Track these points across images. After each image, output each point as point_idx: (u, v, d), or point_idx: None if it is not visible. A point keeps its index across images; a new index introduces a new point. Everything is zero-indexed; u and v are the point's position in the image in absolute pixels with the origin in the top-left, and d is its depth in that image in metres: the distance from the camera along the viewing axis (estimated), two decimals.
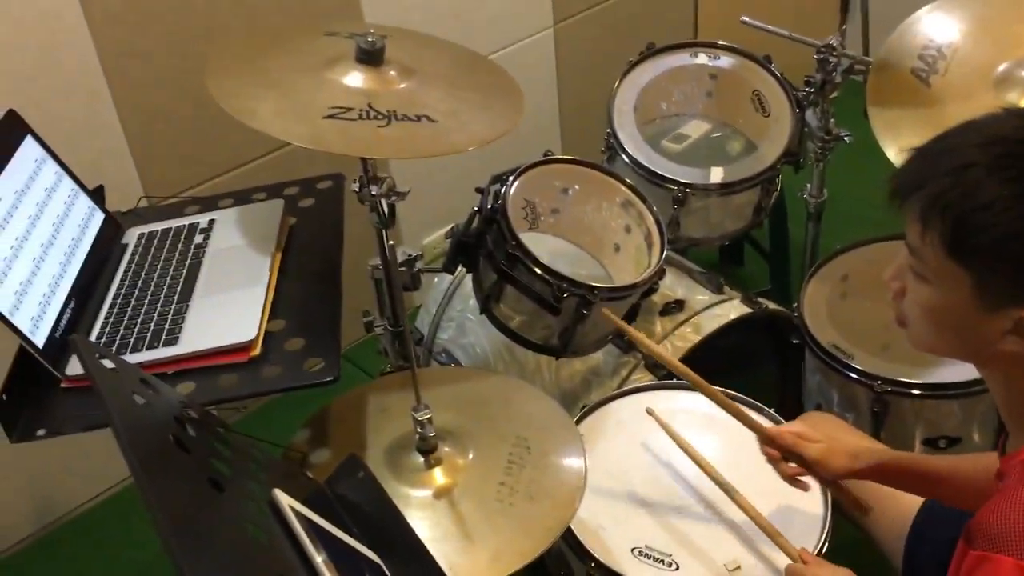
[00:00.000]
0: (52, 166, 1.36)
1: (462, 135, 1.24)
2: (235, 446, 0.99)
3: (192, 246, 1.42)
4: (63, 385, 1.18)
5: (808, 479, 1.33)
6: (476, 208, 1.56)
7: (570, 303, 1.49)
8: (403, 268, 1.51)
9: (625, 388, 1.62)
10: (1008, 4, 1.72)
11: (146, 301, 1.31)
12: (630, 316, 1.64)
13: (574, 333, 1.54)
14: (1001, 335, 0.91)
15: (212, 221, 1.47)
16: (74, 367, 1.18)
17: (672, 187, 1.85)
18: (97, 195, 1.46)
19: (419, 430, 1.25)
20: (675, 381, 1.62)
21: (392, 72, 1.28)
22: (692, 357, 1.69)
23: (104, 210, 1.45)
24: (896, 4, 1.87)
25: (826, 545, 1.33)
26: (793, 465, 1.31)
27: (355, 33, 1.29)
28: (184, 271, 1.36)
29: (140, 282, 1.35)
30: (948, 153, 0.90)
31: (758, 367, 1.96)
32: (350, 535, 1.01)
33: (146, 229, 1.47)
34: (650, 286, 1.59)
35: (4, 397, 1.13)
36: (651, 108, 2.05)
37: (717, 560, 1.32)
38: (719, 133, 2.06)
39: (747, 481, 1.37)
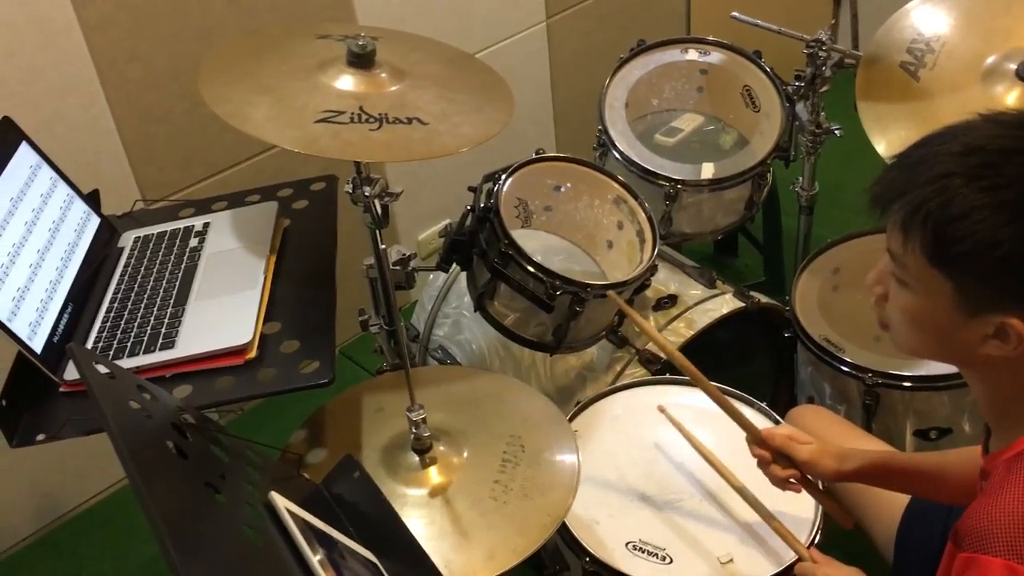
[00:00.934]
0: (47, 172, 1.37)
1: (453, 137, 1.25)
2: (232, 449, 1.01)
3: (187, 249, 1.43)
4: (62, 390, 1.20)
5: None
6: (469, 207, 1.57)
7: (563, 300, 1.51)
8: (397, 267, 1.52)
9: (619, 383, 1.64)
10: None
11: (142, 305, 1.32)
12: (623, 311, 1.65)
13: (568, 329, 1.55)
14: (982, 340, 0.92)
15: (207, 224, 1.48)
16: (72, 372, 1.20)
17: (664, 183, 1.87)
18: (92, 199, 1.47)
19: (414, 430, 1.27)
20: (669, 376, 1.64)
21: (383, 74, 1.28)
22: (685, 351, 1.70)
23: (99, 214, 1.46)
24: None
25: (818, 536, 1.35)
26: (782, 468, 1.31)
27: (346, 36, 1.30)
28: (180, 274, 1.37)
29: (136, 286, 1.36)
30: (926, 163, 0.91)
31: (751, 361, 1.98)
32: (346, 535, 1.03)
33: (141, 233, 1.49)
34: (643, 281, 1.61)
35: (3, 403, 1.15)
36: (642, 104, 2.06)
37: (711, 553, 1.34)
38: (711, 127, 2.07)
39: (743, 475, 1.38)
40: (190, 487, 0.84)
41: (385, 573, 1.00)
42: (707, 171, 1.90)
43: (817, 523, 1.36)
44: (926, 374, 1.61)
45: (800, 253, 2.12)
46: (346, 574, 0.92)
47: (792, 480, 1.30)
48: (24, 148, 1.34)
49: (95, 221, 1.44)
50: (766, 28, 1.92)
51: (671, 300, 1.79)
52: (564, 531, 1.35)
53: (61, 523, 2.16)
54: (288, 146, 1.17)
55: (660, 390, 1.61)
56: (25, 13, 1.74)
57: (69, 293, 1.30)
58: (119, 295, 1.35)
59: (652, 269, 1.61)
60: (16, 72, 1.76)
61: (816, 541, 1.35)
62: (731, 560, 1.33)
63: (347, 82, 1.26)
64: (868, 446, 1.41)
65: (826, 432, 1.47)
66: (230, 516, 0.86)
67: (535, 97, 2.69)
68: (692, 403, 1.56)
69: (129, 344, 1.25)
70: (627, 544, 1.36)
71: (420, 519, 1.21)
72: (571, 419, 1.53)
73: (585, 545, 1.34)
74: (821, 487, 1.33)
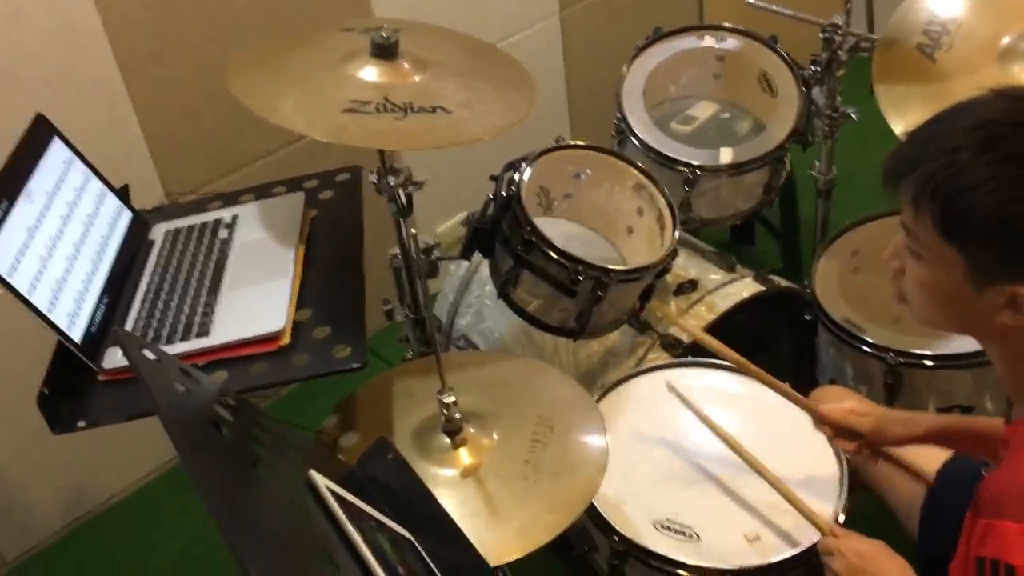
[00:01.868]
0: (80, 167, 1.40)
1: (477, 125, 1.27)
2: (271, 431, 1.03)
3: (218, 241, 1.46)
4: (100, 378, 1.23)
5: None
6: (491, 195, 1.59)
7: (586, 286, 1.52)
8: (422, 256, 1.55)
9: (643, 367, 1.65)
10: None
11: (176, 295, 1.35)
12: (645, 296, 1.67)
13: (591, 315, 1.57)
14: (996, 310, 0.94)
15: (235, 216, 1.51)
16: (110, 360, 1.23)
17: (683, 169, 1.88)
18: (124, 194, 1.50)
19: (444, 412, 1.29)
20: (692, 359, 1.65)
21: (406, 65, 1.31)
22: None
23: (131, 208, 1.49)
24: None
25: (842, 516, 1.36)
26: (848, 441, 1.35)
27: (370, 28, 1.32)
28: (212, 265, 1.40)
29: (169, 277, 1.39)
30: (938, 137, 0.93)
31: (772, 344, 1.99)
32: (383, 514, 1.05)
33: (172, 226, 1.52)
34: (663, 267, 1.62)
35: (45, 391, 1.18)
36: (659, 91, 2.07)
37: (738, 530, 1.35)
38: (727, 114, 2.09)
39: (765, 456, 1.40)
40: (236, 464, 0.87)
41: (421, 550, 1.03)
42: (725, 156, 1.91)
43: (841, 499, 1.37)
44: (948, 352, 1.62)
45: (818, 238, 2.13)
46: (384, 552, 0.94)
47: (864, 450, 1.34)
48: (57, 144, 1.37)
49: (127, 215, 1.47)
50: (782, 13, 1.94)
51: (692, 285, 1.81)
52: (592, 511, 1.37)
53: (90, 518, 2.19)
54: (318, 136, 1.20)
55: (683, 373, 1.62)
56: (52, 16, 1.77)
57: (104, 285, 1.33)
58: (153, 286, 1.38)
59: (673, 254, 1.63)
60: (44, 73, 1.79)
61: (840, 521, 1.36)
62: (758, 537, 1.34)
63: (371, 73, 1.28)
64: None
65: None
66: (274, 492, 0.88)
67: (550, 89, 2.70)
68: (713, 384, 1.58)
69: (165, 333, 1.28)
70: (654, 523, 1.38)
71: (452, 499, 1.23)
72: (597, 401, 1.55)
73: (613, 524, 1.36)
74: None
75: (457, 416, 1.29)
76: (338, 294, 1.33)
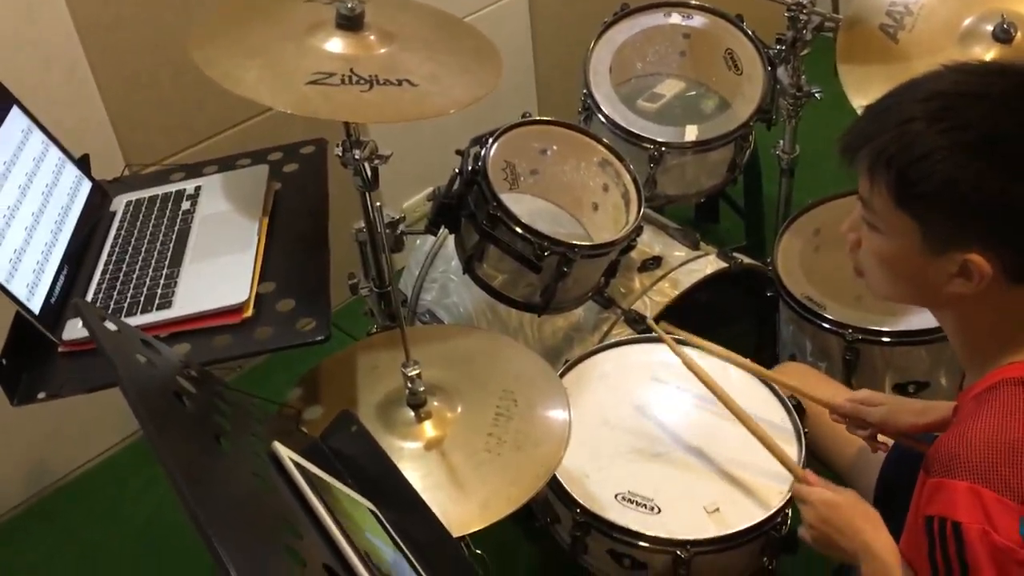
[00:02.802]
0: (39, 136, 1.38)
1: (443, 98, 1.27)
2: (234, 402, 1.03)
3: (180, 212, 1.44)
4: (60, 350, 1.21)
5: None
6: (457, 170, 1.59)
7: (551, 261, 1.53)
8: (387, 230, 1.54)
9: (606, 343, 1.67)
10: None
11: (137, 267, 1.33)
12: (609, 272, 1.68)
13: (555, 290, 1.58)
14: (948, 278, 0.97)
15: (198, 188, 1.50)
16: (71, 332, 1.21)
17: (648, 146, 1.89)
18: (83, 164, 1.48)
19: (409, 385, 1.29)
20: (654, 335, 1.67)
21: (372, 37, 1.30)
22: (670, 311, 1.74)
23: (91, 178, 1.47)
24: None
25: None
26: (865, 432, 1.36)
27: None
28: (173, 237, 1.39)
29: (131, 248, 1.38)
30: (891, 110, 0.96)
31: (734, 320, 2.02)
32: (346, 485, 1.06)
33: (133, 196, 1.50)
34: (628, 243, 1.63)
35: (4, 362, 1.16)
36: (626, 68, 2.08)
37: (698, 502, 1.38)
38: (693, 92, 2.09)
39: (725, 429, 1.42)
40: (198, 435, 0.87)
41: (384, 521, 1.03)
42: (691, 133, 1.92)
43: (801, 455, 1.40)
44: (905, 329, 1.66)
45: (781, 217, 2.15)
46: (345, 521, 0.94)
47: (881, 438, 1.36)
48: (15, 112, 1.35)
49: (87, 185, 1.45)
50: None
51: (656, 261, 1.82)
52: (555, 484, 1.39)
53: (52, 491, 2.18)
54: (281, 107, 1.19)
55: (647, 348, 1.64)
56: None
57: (64, 255, 1.31)
58: (114, 257, 1.36)
59: (637, 230, 1.64)
60: (1, 39, 1.75)
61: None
62: (717, 509, 1.37)
63: (336, 44, 1.27)
64: None
65: (809, 388, 1.52)
66: (237, 463, 0.88)
67: (517, 64, 2.70)
68: (676, 360, 1.59)
69: (126, 304, 1.27)
70: (616, 495, 1.39)
71: (416, 471, 1.23)
72: (561, 376, 1.56)
73: (576, 497, 1.37)
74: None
75: (421, 389, 1.30)
76: (302, 267, 1.33)
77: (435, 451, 1.27)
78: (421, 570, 0.96)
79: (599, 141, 1.73)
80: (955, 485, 0.91)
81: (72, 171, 1.43)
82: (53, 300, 1.24)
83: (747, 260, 1.85)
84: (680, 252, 1.85)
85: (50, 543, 2.08)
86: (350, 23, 1.29)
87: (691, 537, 1.32)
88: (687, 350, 1.48)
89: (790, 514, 1.37)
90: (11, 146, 1.31)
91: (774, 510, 1.34)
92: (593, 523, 1.36)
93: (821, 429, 1.47)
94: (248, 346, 1.21)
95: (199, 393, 0.96)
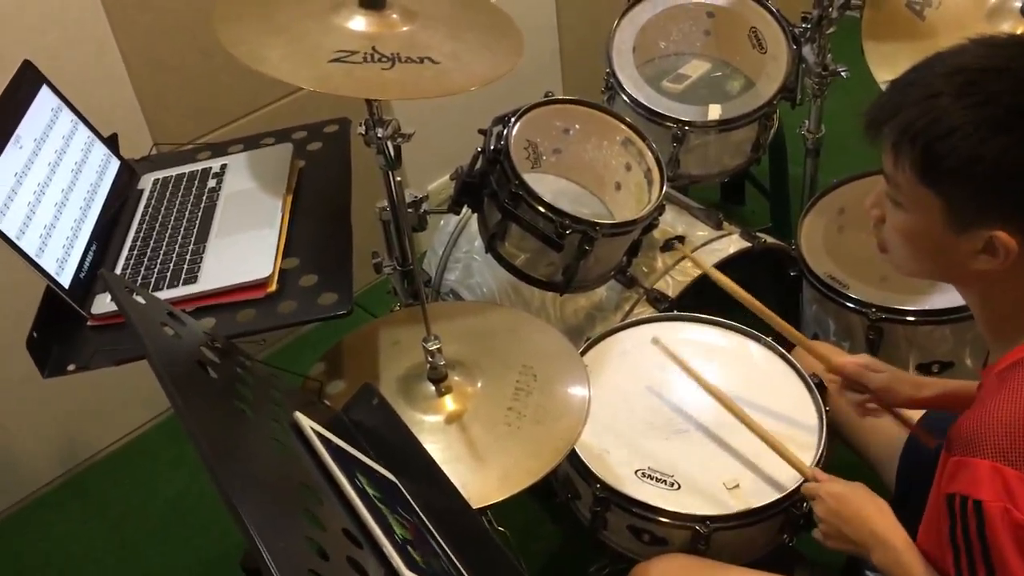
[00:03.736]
0: (68, 115, 1.41)
1: (464, 76, 1.27)
2: (257, 374, 1.05)
3: (206, 190, 1.46)
4: (89, 323, 1.24)
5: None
6: (480, 149, 1.60)
7: (573, 239, 1.54)
8: (410, 209, 1.56)
9: (628, 321, 1.67)
10: None
11: (164, 243, 1.36)
12: (631, 251, 1.69)
13: (577, 269, 1.58)
14: (973, 255, 0.96)
15: (224, 166, 1.52)
16: (99, 306, 1.24)
17: (671, 125, 1.89)
18: (112, 143, 1.50)
19: (430, 359, 1.31)
20: (677, 313, 1.67)
21: (394, 15, 1.31)
22: (692, 291, 1.74)
23: (119, 157, 1.50)
24: None
25: (821, 463, 1.39)
26: (858, 394, 1.37)
27: None
28: (199, 213, 1.41)
29: (157, 225, 1.40)
30: (916, 85, 0.94)
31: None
32: (368, 457, 1.07)
33: (160, 175, 1.52)
34: (650, 222, 1.63)
35: (35, 335, 1.19)
36: (650, 47, 2.07)
37: (717, 479, 1.38)
38: (719, 73, 2.08)
39: (747, 406, 1.43)
40: (222, 404, 0.89)
41: (406, 492, 1.05)
42: (714, 112, 1.92)
43: (820, 451, 1.40)
44: (929, 308, 1.65)
45: (806, 198, 2.14)
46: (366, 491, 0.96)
47: (870, 405, 1.37)
48: (45, 91, 1.37)
49: (115, 163, 1.48)
50: None
51: (679, 241, 1.82)
52: (575, 459, 1.40)
53: (86, 466, 2.22)
54: (303, 84, 1.20)
55: (670, 326, 1.64)
56: None
57: (93, 232, 1.34)
58: (141, 234, 1.39)
59: (660, 209, 1.64)
60: (31, 21, 1.78)
61: (820, 466, 1.39)
62: (737, 485, 1.37)
63: (359, 23, 1.28)
64: None
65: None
66: (259, 430, 0.90)
67: (542, 44, 2.70)
68: (698, 338, 1.61)
69: (153, 279, 1.29)
70: (636, 471, 1.40)
71: (436, 444, 1.25)
72: (582, 354, 1.57)
73: (596, 472, 1.38)
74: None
75: (442, 364, 1.31)
76: (325, 243, 1.34)
77: (455, 424, 1.29)
78: (441, 540, 0.98)
79: (622, 120, 1.73)
80: (977, 463, 0.91)
81: (101, 149, 1.46)
82: (83, 275, 1.27)
83: (770, 240, 1.85)
84: (703, 232, 1.85)
85: (83, 517, 2.13)
86: (373, 2, 1.29)
87: (711, 513, 1.32)
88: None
89: None
90: (41, 125, 1.33)
91: (794, 487, 1.34)
92: (613, 498, 1.37)
93: (843, 411, 1.46)
94: (272, 320, 1.23)
95: (223, 364, 0.98)
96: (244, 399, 0.94)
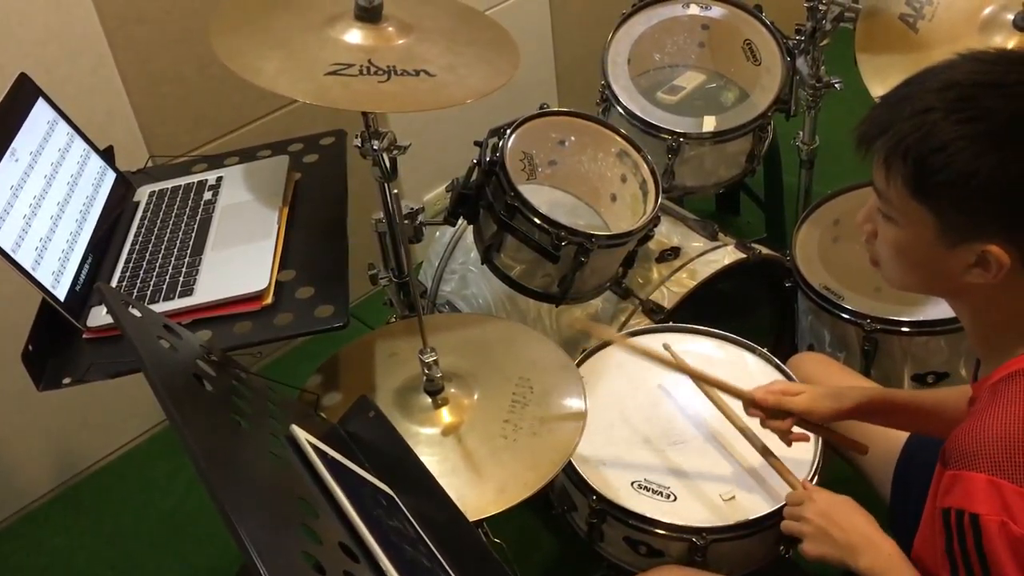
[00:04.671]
0: (64, 127, 1.41)
1: (460, 88, 1.28)
2: (254, 387, 1.05)
3: (202, 202, 1.46)
4: (85, 336, 1.24)
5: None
6: (475, 161, 1.60)
7: (568, 251, 1.54)
8: (406, 221, 1.56)
9: (624, 332, 1.67)
10: None
11: (160, 255, 1.36)
12: (627, 263, 1.69)
13: (573, 280, 1.59)
14: (965, 268, 0.96)
15: (220, 178, 1.52)
16: (95, 319, 1.24)
17: (666, 136, 1.90)
18: (108, 155, 1.50)
19: (426, 372, 1.31)
20: (673, 325, 1.68)
21: (390, 28, 1.31)
22: (688, 302, 1.74)
23: (115, 169, 1.50)
24: None
25: (815, 480, 1.39)
26: (781, 421, 1.36)
27: None
28: (195, 226, 1.41)
29: (153, 237, 1.40)
30: (907, 100, 0.94)
31: (753, 310, 2.02)
32: (363, 469, 1.07)
33: (156, 187, 1.52)
34: (645, 233, 1.64)
35: (30, 348, 1.19)
36: (645, 60, 2.08)
37: (713, 491, 1.38)
38: (713, 84, 2.09)
39: (744, 419, 1.42)
40: (219, 417, 0.88)
41: (401, 504, 1.05)
42: (709, 124, 1.93)
43: (816, 463, 1.40)
44: (924, 319, 1.65)
45: (801, 208, 2.14)
46: (363, 503, 0.96)
47: (794, 430, 1.35)
48: (41, 104, 1.37)
49: (111, 176, 1.48)
50: None
51: (674, 252, 1.82)
52: (571, 471, 1.40)
53: (81, 479, 2.21)
54: (300, 97, 1.20)
55: (664, 338, 1.64)
56: None
57: (89, 244, 1.34)
58: (137, 246, 1.39)
59: (655, 220, 1.64)
60: (28, 34, 1.78)
61: (814, 481, 1.39)
62: (733, 497, 1.37)
63: (355, 36, 1.29)
64: None
65: (826, 378, 1.51)
66: (255, 443, 0.90)
67: (538, 57, 2.71)
68: (695, 350, 1.61)
69: (149, 292, 1.29)
70: (632, 483, 1.40)
71: (433, 456, 1.25)
72: (578, 365, 1.57)
73: (592, 484, 1.38)
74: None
75: (438, 376, 1.31)
76: (321, 255, 1.34)
77: (452, 437, 1.29)
78: (438, 553, 0.98)
79: (617, 132, 1.73)
80: (973, 477, 0.90)
81: (97, 162, 1.46)
82: (78, 288, 1.27)
83: (765, 251, 1.86)
84: (698, 243, 1.86)
85: (78, 529, 2.12)
86: (369, 15, 1.30)
87: (707, 524, 1.32)
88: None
89: None
90: (37, 138, 1.33)
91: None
92: (609, 510, 1.37)
93: (860, 432, 1.46)
94: (268, 332, 1.23)
95: (219, 377, 0.98)
96: (240, 412, 0.94)
